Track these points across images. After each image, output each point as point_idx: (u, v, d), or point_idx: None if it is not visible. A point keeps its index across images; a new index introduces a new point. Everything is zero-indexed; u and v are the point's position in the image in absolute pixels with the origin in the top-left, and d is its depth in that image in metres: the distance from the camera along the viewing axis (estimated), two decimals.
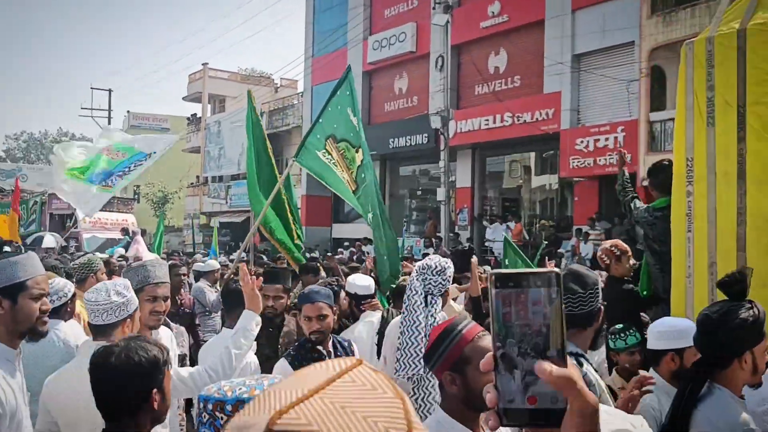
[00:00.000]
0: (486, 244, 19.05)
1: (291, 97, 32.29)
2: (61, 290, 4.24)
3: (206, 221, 36.38)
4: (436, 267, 3.83)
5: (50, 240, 21.13)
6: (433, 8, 19.47)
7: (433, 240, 19.60)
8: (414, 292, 3.80)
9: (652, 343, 3.10)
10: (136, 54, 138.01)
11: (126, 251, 14.79)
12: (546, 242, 14.82)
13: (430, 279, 3.81)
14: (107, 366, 2.05)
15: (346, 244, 23.54)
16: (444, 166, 19.13)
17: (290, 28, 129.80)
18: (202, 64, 39.80)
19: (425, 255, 17.25)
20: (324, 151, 6.07)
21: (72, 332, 4.24)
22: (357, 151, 6.31)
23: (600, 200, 17.22)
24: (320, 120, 6.27)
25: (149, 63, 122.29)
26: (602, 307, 2.44)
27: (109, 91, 39.02)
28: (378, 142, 23.03)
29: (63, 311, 4.28)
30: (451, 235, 19.32)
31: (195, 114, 40.83)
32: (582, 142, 16.73)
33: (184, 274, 7.72)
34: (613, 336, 3.74)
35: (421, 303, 3.76)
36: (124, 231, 19.57)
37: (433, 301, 3.78)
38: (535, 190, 21.15)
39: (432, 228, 20.99)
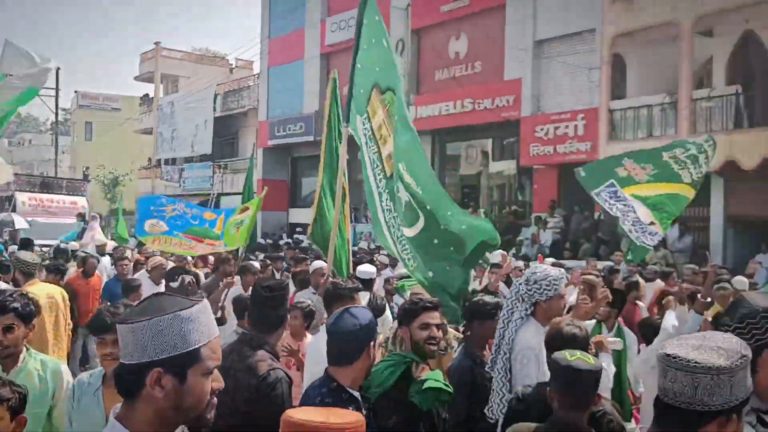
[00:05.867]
0: None
1: (246, 79, 31.44)
2: None
3: None
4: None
5: (21, 221, 19.68)
6: None
7: None
8: None
9: None
10: (86, 32, 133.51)
11: (80, 239, 13.94)
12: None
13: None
14: None
15: (299, 230, 23.04)
16: None
17: (246, 9, 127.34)
18: (155, 43, 38.57)
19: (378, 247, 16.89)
20: (365, 116, 4.82)
21: None
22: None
23: (559, 188, 17.17)
24: (357, 65, 4.87)
25: (100, 41, 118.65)
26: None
27: (57, 69, 37.31)
28: None
29: None
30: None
31: (147, 94, 39.61)
32: (542, 129, 16.61)
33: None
34: None
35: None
36: (80, 216, 18.53)
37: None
38: (493, 176, 20.98)
39: None
